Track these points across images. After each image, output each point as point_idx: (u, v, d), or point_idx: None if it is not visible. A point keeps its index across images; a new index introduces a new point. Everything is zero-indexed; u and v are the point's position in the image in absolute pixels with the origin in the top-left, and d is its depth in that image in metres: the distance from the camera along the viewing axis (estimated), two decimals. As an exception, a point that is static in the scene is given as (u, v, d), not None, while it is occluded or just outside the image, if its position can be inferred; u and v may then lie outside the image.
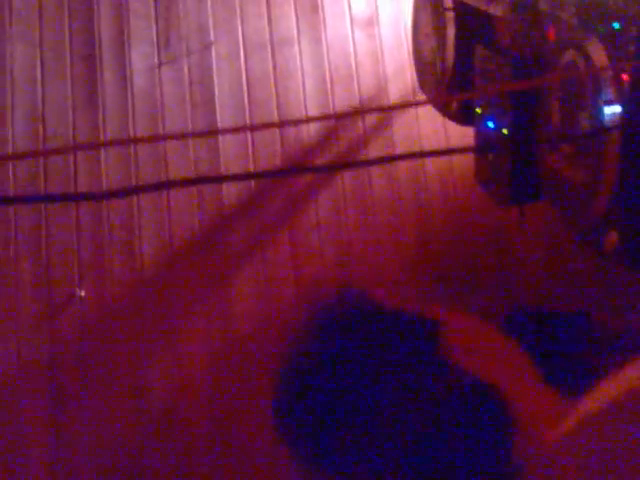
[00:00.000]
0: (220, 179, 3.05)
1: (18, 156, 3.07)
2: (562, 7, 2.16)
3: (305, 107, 3.66)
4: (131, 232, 3.43)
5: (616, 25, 1.95)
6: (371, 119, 3.61)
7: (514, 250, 3.55)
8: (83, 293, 3.38)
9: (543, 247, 3.45)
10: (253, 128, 3.49)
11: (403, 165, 3.53)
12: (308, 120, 3.49)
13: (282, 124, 3.31)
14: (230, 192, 3.51)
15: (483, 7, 2.39)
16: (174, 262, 3.47)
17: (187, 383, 3.40)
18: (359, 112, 3.38)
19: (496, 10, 2.32)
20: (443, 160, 3.53)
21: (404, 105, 3.10)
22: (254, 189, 3.56)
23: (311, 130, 3.58)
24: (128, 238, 3.43)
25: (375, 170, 3.54)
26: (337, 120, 3.50)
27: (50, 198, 2.90)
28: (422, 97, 3.22)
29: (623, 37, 1.93)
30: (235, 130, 3.18)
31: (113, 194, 2.79)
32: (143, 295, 3.44)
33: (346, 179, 3.56)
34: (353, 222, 3.58)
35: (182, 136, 3.25)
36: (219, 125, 3.58)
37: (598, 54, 1.99)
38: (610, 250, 2.07)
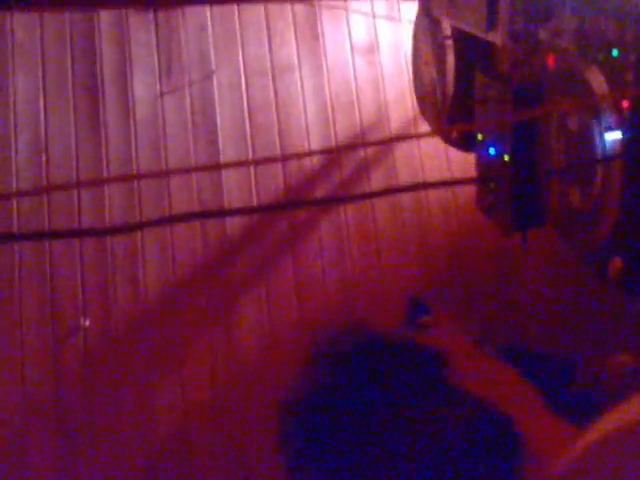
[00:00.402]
0: (223, 213, 3.05)
1: (22, 193, 3.07)
2: (561, 35, 2.17)
3: (307, 134, 3.67)
4: (135, 265, 3.43)
5: (615, 52, 1.95)
6: (373, 149, 3.62)
7: (517, 276, 3.54)
8: (88, 323, 3.38)
9: (547, 273, 3.44)
10: (256, 162, 3.49)
11: (406, 194, 3.53)
12: (310, 153, 3.50)
13: (285, 158, 3.31)
14: (233, 224, 3.51)
15: (482, 35, 2.39)
16: (178, 293, 3.47)
17: (193, 411, 3.40)
18: (361, 145, 3.39)
19: (495, 38, 2.32)
20: (448, 194, 3.54)
21: (406, 137, 3.11)
22: (257, 221, 3.57)
23: (314, 161, 3.59)
24: (132, 271, 3.43)
25: (378, 199, 3.54)
26: (339, 152, 3.51)
27: (54, 235, 2.90)
28: (423, 125, 3.22)
29: (622, 64, 1.93)
30: (238, 164, 3.18)
31: (117, 230, 2.79)
32: (148, 326, 3.44)
33: (349, 209, 3.56)
34: (356, 251, 3.58)
35: (185, 171, 3.25)
36: (221, 154, 3.58)
37: (597, 81, 1.99)
38: (614, 276, 2.07)
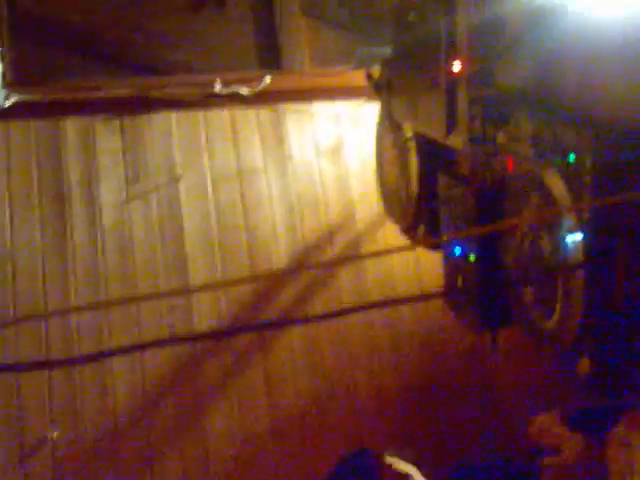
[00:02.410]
0: (194, 339, 3.02)
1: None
2: (519, 140, 2.20)
3: (275, 236, 3.68)
4: (103, 379, 3.39)
5: (572, 157, 1.98)
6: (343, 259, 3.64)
7: (488, 375, 3.53)
8: (56, 435, 3.31)
9: (517, 371, 3.44)
10: (227, 283, 3.49)
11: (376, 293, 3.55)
12: (280, 272, 3.51)
13: (255, 278, 3.32)
14: (204, 340, 3.49)
15: (442, 140, 2.43)
16: (148, 404, 3.41)
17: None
18: (334, 262, 3.41)
19: (455, 142, 2.36)
20: (416, 288, 3.55)
21: (379, 253, 3.13)
22: (227, 338, 3.54)
23: (284, 279, 3.60)
24: (101, 383, 3.38)
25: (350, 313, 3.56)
26: (309, 268, 3.52)
27: (23, 367, 2.85)
28: (389, 224, 3.24)
29: (579, 168, 1.95)
30: (207, 287, 3.17)
31: (86, 359, 2.74)
32: (117, 437, 3.38)
33: (321, 324, 3.53)
34: (329, 363, 3.56)
35: (154, 296, 3.23)
36: (189, 260, 3.57)
37: (556, 185, 2.01)
38: (583, 376, 2.06)
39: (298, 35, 3.80)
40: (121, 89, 3.58)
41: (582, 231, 1.94)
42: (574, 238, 1.95)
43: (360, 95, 3.71)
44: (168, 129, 3.72)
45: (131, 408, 3.42)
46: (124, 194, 3.64)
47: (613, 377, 2.03)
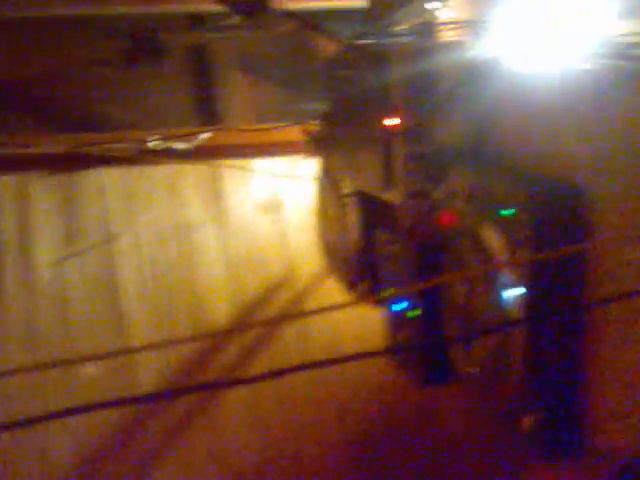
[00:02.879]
0: (134, 400, 2.94)
1: None
2: (456, 195, 2.20)
3: (215, 292, 3.63)
4: (43, 454, 3.30)
5: (508, 212, 1.98)
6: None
7: (435, 432, 3.51)
8: None
9: (463, 428, 3.42)
10: (167, 343, 3.43)
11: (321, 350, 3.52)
12: (221, 332, 3.46)
13: (196, 338, 3.25)
14: (145, 406, 3.42)
15: (380, 195, 2.42)
16: (89, 473, 3.33)
17: None
18: (280, 319, 3.38)
19: (392, 198, 2.35)
20: (360, 345, 3.53)
21: (320, 310, 3.10)
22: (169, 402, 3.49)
23: (227, 338, 3.55)
24: (41, 460, 3.29)
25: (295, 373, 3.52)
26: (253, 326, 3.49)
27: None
28: (332, 280, 3.22)
29: (515, 223, 1.95)
30: (147, 347, 3.11)
31: (25, 422, 2.63)
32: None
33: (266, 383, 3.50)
34: (274, 421, 3.52)
35: (93, 357, 3.16)
36: (127, 318, 3.51)
37: (493, 241, 2.00)
38: (526, 433, 2.04)
39: (235, 91, 3.79)
40: (55, 146, 3.52)
41: (520, 287, 1.92)
42: (511, 294, 1.94)
43: (299, 151, 3.70)
44: (104, 186, 3.66)
45: (72, 473, 3.33)
46: (60, 253, 3.56)
47: (556, 434, 2.01)
